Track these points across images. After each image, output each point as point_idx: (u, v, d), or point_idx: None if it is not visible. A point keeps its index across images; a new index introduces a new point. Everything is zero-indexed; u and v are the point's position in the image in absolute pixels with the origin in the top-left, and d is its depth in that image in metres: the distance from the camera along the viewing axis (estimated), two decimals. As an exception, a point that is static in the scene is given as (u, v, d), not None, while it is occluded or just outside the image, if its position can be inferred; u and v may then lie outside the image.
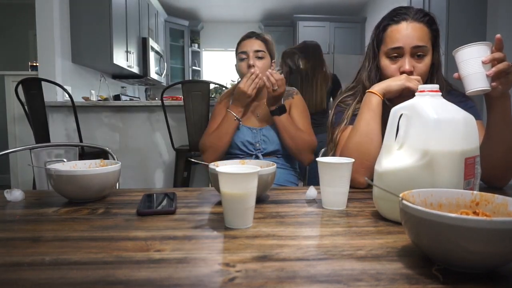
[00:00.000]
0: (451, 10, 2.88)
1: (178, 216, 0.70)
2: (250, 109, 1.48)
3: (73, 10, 3.20)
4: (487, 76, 0.80)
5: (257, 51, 1.42)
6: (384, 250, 0.51)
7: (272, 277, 0.43)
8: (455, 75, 0.86)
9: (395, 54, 0.99)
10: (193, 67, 6.07)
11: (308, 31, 5.38)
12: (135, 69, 4.15)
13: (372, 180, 0.74)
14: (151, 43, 4.53)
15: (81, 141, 2.46)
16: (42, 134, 2.41)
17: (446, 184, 0.61)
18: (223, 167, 0.68)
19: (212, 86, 3.29)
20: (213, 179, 0.79)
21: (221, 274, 0.44)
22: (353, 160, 0.75)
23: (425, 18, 0.98)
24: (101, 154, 2.43)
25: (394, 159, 0.68)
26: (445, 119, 0.64)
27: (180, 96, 2.62)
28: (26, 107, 2.47)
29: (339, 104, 1.14)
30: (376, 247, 0.52)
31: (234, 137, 1.42)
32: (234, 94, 1.41)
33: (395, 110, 0.72)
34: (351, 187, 0.77)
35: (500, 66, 0.79)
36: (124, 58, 3.71)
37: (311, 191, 0.82)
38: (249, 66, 1.41)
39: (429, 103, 0.67)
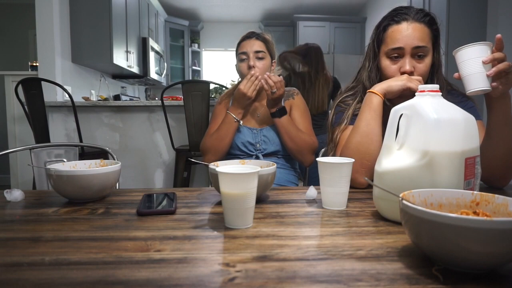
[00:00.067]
0: (451, 10, 2.88)
1: (178, 216, 0.70)
2: (250, 109, 1.48)
3: (73, 10, 3.20)
4: (488, 76, 0.80)
5: (257, 51, 1.41)
6: (384, 250, 0.51)
7: (272, 277, 0.43)
8: (456, 75, 0.86)
9: (396, 55, 0.99)
10: (193, 67, 6.07)
11: (308, 31, 5.38)
12: (135, 69, 4.15)
13: (372, 180, 0.74)
14: (151, 43, 4.53)
15: (81, 141, 2.46)
16: (42, 134, 2.41)
17: (446, 184, 0.61)
18: (223, 167, 0.68)
19: (212, 86, 3.30)
20: (213, 179, 0.79)
21: (221, 274, 0.44)
22: (353, 160, 0.75)
23: (426, 18, 0.98)
24: (101, 154, 2.42)
25: (394, 159, 0.68)
26: (445, 119, 0.64)
27: (180, 96, 2.62)
28: (26, 107, 2.47)
29: (339, 104, 1.14)
30: (376, 247, 0.52)
31: (234, 138, 1.42)
32: (235, 95, 1.41)
33: (395, 110, 0.72)
34: (351, 187, 0.77)
35: (501, 66, 0.79)
36: (124, 58, 3.72)
37: (311, 191, 0.82)
38: (249, 67, 1.40)
39: (429, 103, 0.67)
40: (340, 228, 0.62)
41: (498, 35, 0.81)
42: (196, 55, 6.19)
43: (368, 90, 0.98)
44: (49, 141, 2.42)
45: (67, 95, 2.41)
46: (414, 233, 0.46)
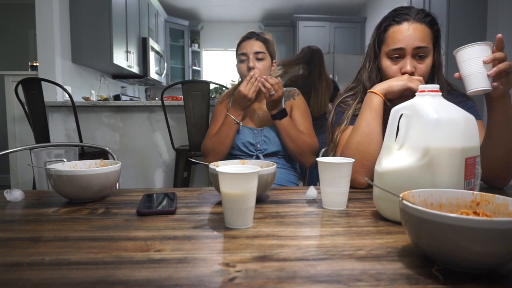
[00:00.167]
0: (451, 10, 2.88)
1: (178, 216, 0.70)
2: (251, 110, 1.48)
3: (73, 10, 3.20)
4: (488, 76, 0.80)
5: (257, 52, 1.41)
6: (384, 250, 0.51)
7: (272, 277, 0.43)
8: (456, 75, 0.86)
9: (397, 55, 0.99)
10: (193, 67, 6.07)
11: (308, 31, 5.38)
12: (135, 69, 4.15)
13: (372, 180, 0.74)
14: (151, 43, 4.53)
15: (81, 141, 2.46)
16: (42, 134, 2.41)
17: (446, 184, 0.61)
18: (223, 167, 0.68)
19: (212, 86, 3.30)
20: (213, 179, 0.79)
21: (221, 274, 0.44)
22: (353, 160, 0.75)
23: (427, 18, 0.98)
24: (101, 154, 2.42)
25: (394, 159, 0.68)
26: (445, 119, 0.64)
27: (180, 96, 2.62)
28: (26, 107, 2.47)
29: (339, 105, 1.14)
30: (376, 247, 0.52)
31: (235, 138, 1.42)
32: (235, 96, 1.41)
33: (396, 110, 0.72)
34: (351, 187, 0.77)
35: (501, 66, 0.79)
36: (124, 58, 3.72)
37: (311, 191, 0.82)
38: (249, 69, 1.40)
39: (429, 103, 0.67)
40: (340, 228, 0.62)
41: (499, 35, 0.80)
42: (196, 55, 6.19)
43: (368, 90, 0.98)
44: (49, 141, 2.42)
45: (67, 95, 2.41)
46: (414, 233, 0.46)
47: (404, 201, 0.47)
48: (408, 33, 0.96)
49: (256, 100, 1.46)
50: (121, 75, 4.27)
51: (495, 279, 0.43)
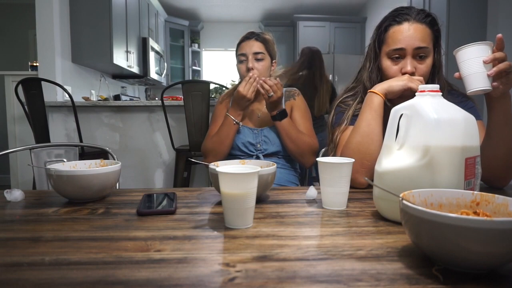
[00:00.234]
0: (451, 10, 2.88)
1: (178, 216, 0.70)
2: (251, 110, 1.48)
3: (73, 10, 3.20)
4: (488, 76, 0.80)
5: (256, 53, 1.41)
6: (384, 250, 0.51)
7: (272, 277, 0.43)
8: (456, 74, 0.86)
9: (397, 55, 0.99)
10: (193, 67, 6.07)
11: (308, 31, 5.38)
12: (135, 69, 4.15)
13: (372, 180, 0.74)
14: (151, 43, 4.53)
15: (81, 141, 2.46)
16: (42, 134, 2.41)
17: (447, 184, 0.61)
18: (223, 167, 0.68)
19: (212, 86, 3.30)
20: (213, 179, 0.79)
21: (221, 274, 0.44)
22: (353, 160, 0.75)
23: (427, 19, 0.98)
24: (101, 154, 2.42)
25: (395, 159, 0.68)
26: (445, 119, 0.64)
27: (180, 96, 2.62)
28: (26, 107, 2.47)
29: (339, 105, 1.14)
30: (376, 247, 0.52)
31: (235, 138, 1.42)
32: (234, 97, 1.40)
33: (396, 110, 0.72)
34: (351, 187, 0.77)
35: (501, 66, 0.79)
36: (124, 58, 3.71)
37: (311, 191, 0.82)
38: (248, 69, 1.40)
39: (429, 103, 0.67)
40: (340, 228, 0.62)
41: (499, 35, 0.80)
42: (196, 55, 6.19)
43: (369, 90, 0.98)
44: (49, 141, 2.42)
45: (67, 95, 2.41)
46: (414, 233, 0.46)
47: (404, 201, 0.47)
48: (408, 33, 0.96)
49: (256, 100, 1.46)
50: (121, 75, 4.27)
51: (495, 279, 0.43)
